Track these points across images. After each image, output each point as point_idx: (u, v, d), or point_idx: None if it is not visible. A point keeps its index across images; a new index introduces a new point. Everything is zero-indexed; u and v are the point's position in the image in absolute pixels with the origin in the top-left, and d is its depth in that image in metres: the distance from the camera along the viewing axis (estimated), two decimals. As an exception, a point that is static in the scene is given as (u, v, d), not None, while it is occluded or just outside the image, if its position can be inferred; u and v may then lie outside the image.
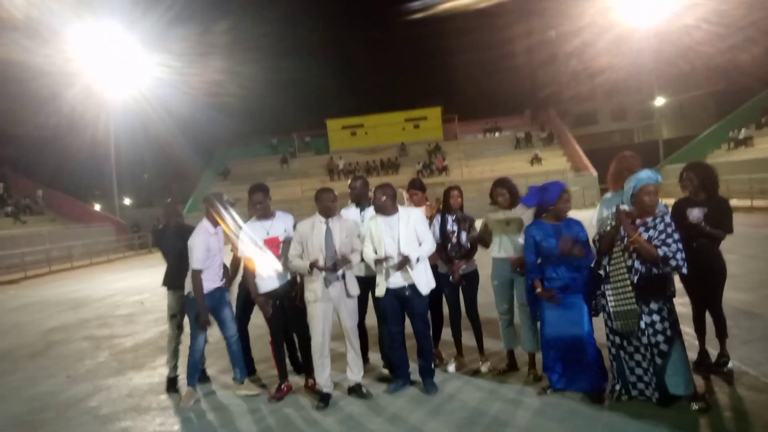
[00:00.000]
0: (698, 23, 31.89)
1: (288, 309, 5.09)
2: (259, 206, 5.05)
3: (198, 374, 5.32)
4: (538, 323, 4.68)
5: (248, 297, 5.43)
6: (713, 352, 4.75)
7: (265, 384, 5.39)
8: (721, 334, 4.70)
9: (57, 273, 21.65)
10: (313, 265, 4.67)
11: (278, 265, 4.97)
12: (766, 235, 12.72)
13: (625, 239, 4.04)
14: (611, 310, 4.18)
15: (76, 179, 39.11)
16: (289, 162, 43.56)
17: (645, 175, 4.11)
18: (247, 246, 5.00)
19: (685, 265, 3.93)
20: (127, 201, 47.31)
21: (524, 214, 4.95)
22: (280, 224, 5.13)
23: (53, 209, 32.79)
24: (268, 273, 4.98)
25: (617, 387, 4.27)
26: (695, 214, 4.50)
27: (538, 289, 4.51)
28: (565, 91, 46.45)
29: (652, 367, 4.03)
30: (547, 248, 4.42)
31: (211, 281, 5.11)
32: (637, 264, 4.02)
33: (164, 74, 33.27)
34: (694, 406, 3.94)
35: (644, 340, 4.02)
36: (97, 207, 39.49)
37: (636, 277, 4.01)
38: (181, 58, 33.55)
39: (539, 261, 4.52)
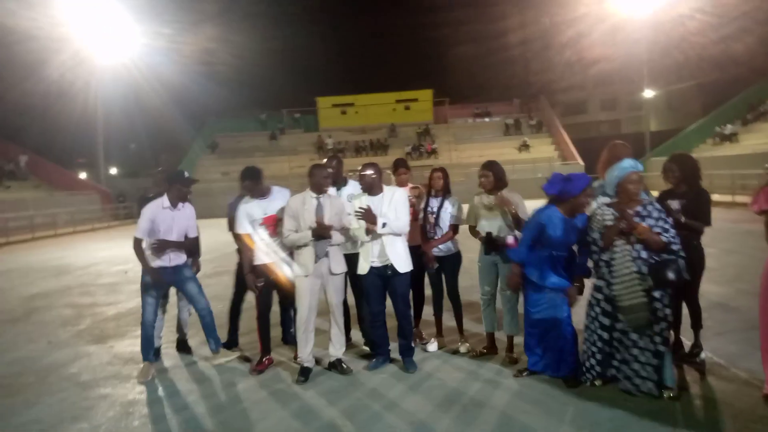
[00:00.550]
0: (692, 13, 31.97)
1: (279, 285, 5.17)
2: (250, 193, 5.13)
3: (152, 348, 5.28)
4: (519, 307, 4.75)
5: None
6: (687, 342, 4.86)
7: (249, 357, 5.44)
8: (696, 325, 4.81)
9: (40, 240, 21.47)
10: (318, 227, 4.71)
11: (275, 247, 5.00)
12: (745, 230, 12.91)
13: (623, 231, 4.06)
14: (620, 305, 4.10)
15: (63, 147, 38.51)
16: (278, 138, 43.26)
17: (628, 164, 4.16)
18: (245, 226, 5.09)
19: (678, 241, 4.00)
20: (113, 170, 46.73)
21: (509, 197, 4.98)
22: (278, 202, 5.13)
23: (38, 176, 32.37)
24: (265, 255, 5.04)
25: (592, 373, 4.36)
26: (674, 206, 4.58)
27: (516, 271, 4.56)
28: (555, 79, 46.49)
29: (654, 359, 4.03)
30: (552, 238, 4.35)
31: (162, 260, 5.13)
32: (643, 254, 4.02)
33: (154, 41, 32.77)
34: (665, 394, 4.04)
35: (656, 328, 4.04)
36: (84, 175, 39.04)
37: (645, 266, 4.00)
38: (171, 25, 33.07)
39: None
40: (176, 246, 5.19)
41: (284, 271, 5.01)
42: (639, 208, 4.10)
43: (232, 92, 43.72)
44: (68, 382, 5.12)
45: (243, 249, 5.15)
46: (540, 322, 4.49)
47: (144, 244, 5.08)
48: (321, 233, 4.71)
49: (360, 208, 4.74)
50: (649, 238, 3.96)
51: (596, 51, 38.97)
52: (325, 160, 5.54)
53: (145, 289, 5.16)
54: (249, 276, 5.08)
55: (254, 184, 5.11)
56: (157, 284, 5.13)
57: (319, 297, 4.93)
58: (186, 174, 5.33)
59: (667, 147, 32.84)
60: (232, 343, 5.77)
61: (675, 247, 3.99)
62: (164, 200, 5.14)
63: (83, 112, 32.84)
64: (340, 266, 4.96)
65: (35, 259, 15.14)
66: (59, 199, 28.64)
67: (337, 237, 4.86)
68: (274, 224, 5.07)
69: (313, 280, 4.83)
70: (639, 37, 36.06)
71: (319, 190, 4.87)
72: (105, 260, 14.07)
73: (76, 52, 30.04)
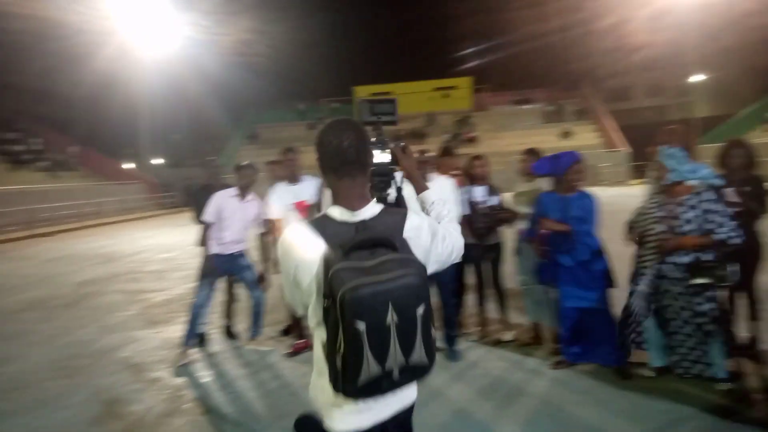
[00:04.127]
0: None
1: None
2: (290, 163, 5.23)
3: (195, 334, 5.38)
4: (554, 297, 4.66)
5: None
6: (744, 333, 4.69)
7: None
8: (754, 316, 4.65)
9: (89, 228, 22.15)
10: None
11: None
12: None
13: None
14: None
15: (110, 138, 39.57)
16: (316, 128, 43.32)
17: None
18: (280, 209, 5.17)
19: (738, 233, 3.69)
20: (159, 161, 47.77)
21: (543, 184, 4.93)
22: (308, 188, 5.22)
23: (87, 166, 33.34)
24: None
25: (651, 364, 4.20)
26: (731, 193, 4.41)
27: (549, 224, 4.44)
28: (598, 65, 45.32)
29: (700, 345, 3.82)
30: (557, 219, 4.43)
31: (220, 247, 5.27)
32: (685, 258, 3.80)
33: (195, 33, 33.29)
34: (720, 385, 3.92)
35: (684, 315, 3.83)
36: (131, 165, 40.01)
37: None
38: (211, 16, 33.49)
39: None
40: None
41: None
42: (685, 197, 3.81)
43: (271, 83, 44.21)
44: (121, 365, 5.28)
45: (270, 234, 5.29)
46: (573, 311, 4.43)
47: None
48: None
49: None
50: (688, 244, 3.76)
51: (642, 35, 37.79)
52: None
53: (203, 274, 5.26)
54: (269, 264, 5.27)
55: (295, 155, 5.23)
56: (213, 271, 5.25)
57: None
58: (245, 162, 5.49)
59: (716, 134, 31.76)
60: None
61: (724, 237, 3.68)
62: (231, 190, 5.35)
63: (129, 103, 33.67)
64: None
65: (84, 247, 15.62)
66: (107, 188, 29.48)
67: None
68: (305, 209, 5.12)
69: None
70: (687, 20, 34.82)
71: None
72: (151, 248, 14.42)
73: (120, 44, 30.77)
